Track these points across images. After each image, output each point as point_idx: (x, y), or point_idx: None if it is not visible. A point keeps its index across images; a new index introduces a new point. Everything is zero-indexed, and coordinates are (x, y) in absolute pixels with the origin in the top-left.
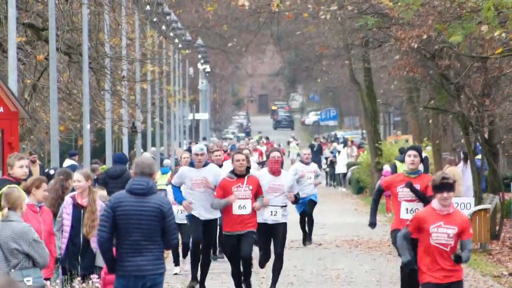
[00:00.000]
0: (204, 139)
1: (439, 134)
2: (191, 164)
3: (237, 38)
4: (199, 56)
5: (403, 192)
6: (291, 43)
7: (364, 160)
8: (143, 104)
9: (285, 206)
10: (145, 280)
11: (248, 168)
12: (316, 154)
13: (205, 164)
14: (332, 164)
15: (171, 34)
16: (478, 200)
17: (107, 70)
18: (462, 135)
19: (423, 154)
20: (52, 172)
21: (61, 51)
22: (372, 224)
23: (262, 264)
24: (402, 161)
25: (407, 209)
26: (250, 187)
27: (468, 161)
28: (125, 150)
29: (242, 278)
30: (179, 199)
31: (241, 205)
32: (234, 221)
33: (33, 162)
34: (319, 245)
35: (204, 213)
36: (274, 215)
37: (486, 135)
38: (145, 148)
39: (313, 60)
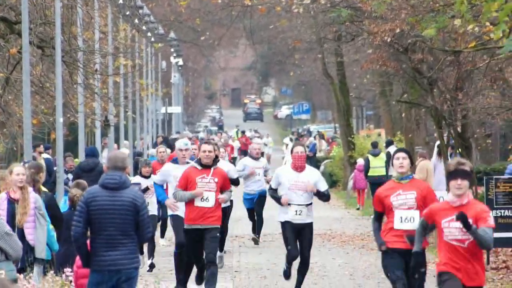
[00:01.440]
0: (178, 132)
1: (412, 128)
2: (175, 161)
3: (210, 32)
4: (172, 49)
5: (397, 200)
6: (264, 36)
7: (337, 154)
8: (116, 98)
9: (311, 204)
10: (120, 274)
11: (215, 160)
12: None
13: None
14: (308, 159)
15: (144, 27)
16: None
17: (80, 64)
18: (435, 129)
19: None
20: (25, 166)
21: (34, 45)
22: (382, 245)
23: (287, 273)
24: (375, 155)
25: (401, 217)
26: (216, 179)
27: (441, 154)
28: (98, 144)
29: (198, 277)
30: (162, 197)
31: (204, 197)
32: (196, 213)
33: (40, 153)
34: None
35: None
36: (299, 214)
37: (459, 129)
38: (117, 142)
39: (285, 54)
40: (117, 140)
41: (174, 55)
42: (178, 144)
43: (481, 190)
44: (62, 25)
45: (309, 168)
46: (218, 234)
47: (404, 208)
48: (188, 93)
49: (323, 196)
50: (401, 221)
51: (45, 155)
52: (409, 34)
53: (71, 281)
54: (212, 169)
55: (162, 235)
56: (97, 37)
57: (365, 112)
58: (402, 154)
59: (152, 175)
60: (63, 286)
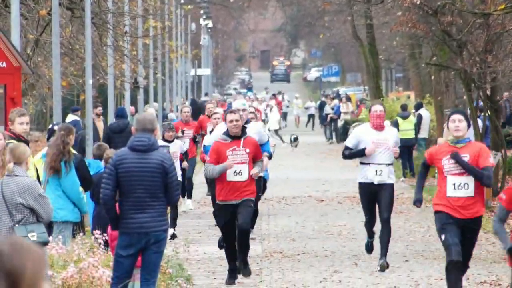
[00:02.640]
0: (206, 94)
1: (441, 90)
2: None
3: None
4: (201, 11)
5: (449, 165)
6: None
7: (366, 117)
8: (145, 60)
9: (391, 164)
10: (149, 237)
11: (244, 129)
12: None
13: (246, 123)
14: (332, 121)
15: None
16: None
17: (110, 26)
18: (465, 91)
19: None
20: (55, 127)
21: (64, 6)
22: (418, 201)
23: (370, 231)
24: (404, 117)
25: (454, 184)
26: (247, 150)
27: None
28: (127, 106)
29: (237, 253)
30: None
31: (237, 170)
32: (229, 189)
33: (98, 115)
34: (321, 201)
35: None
36: (380, 174)
37: (488, 92)
38: (147, 104)
39: (315, 16)
40: (146, 102)
41: (204, 17)
42: (235, 105)
43: (510, 153)
44: None
45: (388, 127)
46: (252, 205)
47: (456, 173)
48: (218, 55)
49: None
50: (454, 188)
51: (73, 117)
52: None
53: (100, 243)
54: (242, 139)
55: (190, 195)
56: None
57: (395, 74)
58: (458, 116)
59: (175, 140)
60: (92, 248)
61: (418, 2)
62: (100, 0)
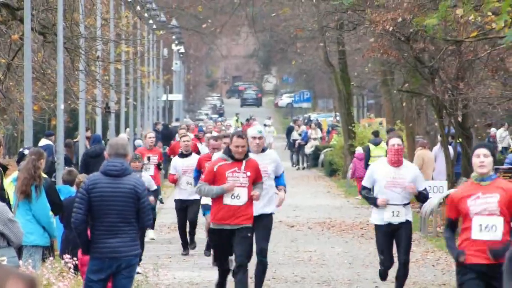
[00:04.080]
0: (177, 119)
1: (413, 117)
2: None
3: (212, 19)
4: (174, 37)
5: (476, 205)
6: (266, 24)
7: (337, 143)
8: (117, 85)
9: (409, 203)
10: (120, 261)
11: (247, 152)
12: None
13: (263, 149)
14: (299, 147)
15: (146, 14)
16: (451, 184)
17: (82, 50)
18: (436, 118)
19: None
20: (26, 152)
21: (36, 31)
22: (460, 254)
23: (383, 275)
24: (376, 144)
25: (480, 225)
26: (248, 174)
27: (441, 144)
28: (99, 131)
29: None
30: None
31: (235, 194)
32: (225, 212)
33: (88, 138)
34: (291, 227)
35: (259, 207)
36: (397, 215)
37: (460, 119)
38: (118, 129)
39: (287, 42)
40: (117, 127)
41: (176, 42)
42: (251, 132)
43: None
44: (64, 11)
45: (406, 163)
46: (249, 234)
47: (484, 214)
48: (189, 81)
49: (423, 198)
50: (481, 230)
51: (46, 141)
52: (411, 23)
53: (70, 268)
54: (244, 161)
55: (152, 226)
56: (99, 24)
57: (366, 101)
58: (483, 151)
59: (143, 172)
60: (62, 273)
61: (390, 29)
62: (72, 25)
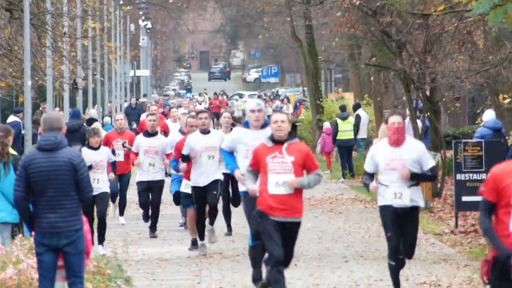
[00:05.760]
0: (145, 95)
1: (380, 91)
2: (246, 125)
3: None
4: (140, 12)
5: None
6: None
7: (305, 118)
8: (84, 61)
9: (416, 185)
10: (59, 236)
11: (292, 133)
12: None
13: (264, 125)
14: None
15: None
16: None
17: (48, 27)
18: (404, 92)
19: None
20: None
21: (2, 7)
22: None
23: (393, 256)
24: (343, 118)
25: None
26: (291, 158)
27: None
28: (66, 107)
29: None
30: (232, 166)
31: (279, 181)
32: (271, 202)
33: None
34: None
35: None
36: (399, 197)
37: (427, 92)
38: (86, 105)
39: (254, 17)
40: (85, 104)
41: (143, 18)
42: (250, 105)
43: (450, 153)
44: None
45: (410, 141)
46: (297, 235)
47: None
48: (157, 56)
49: (426, 178)
50: None
51: (15, 118)
52: None
53: None
54: (285, 145)
55: (122, 212)
56: (66, 0)
57: (334, 75)
58: None
59: (101, 147)
60: (31, 250)
61: (357, 3)
62: (38, 1)
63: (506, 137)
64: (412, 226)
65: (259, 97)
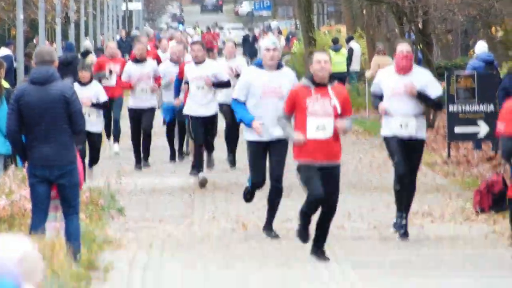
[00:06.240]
0: (137, 28)
1: (373, 24)
2: (259, 64)
3: None
4: None
5: None
6: None
7: (298, 50)
8: None
9: (422, 115)
10: (53, 169)
11: (332, 76)
12: (252, 45)
13: (279, 66)
14: None
15: None
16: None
17: None
18: (396, 25)
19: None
20: None
21: None
22: None
23: (400, 180)
24: (336, 50)
25: None
26: (333, 102)
27: None
28: (58, 41)
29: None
30: (248, 118)
31: (320, 125)
32: (309, 147)
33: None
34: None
35: (272, 129)
36: (405, 127)
37: (420, 25)
38: (78, 38)
39: None
40: (77, 37)
41: None
42: (265, 43)
43: (442, 85)
44: None
45: (417, 70)
46: (338, 177)
47: None
48: None
49: (432, 104)
50: None
51: (6, 50)
52: None
53: None
54: (329, 86)
55: (117, 139)
56: None
57: (326, 8)
58: None
59: (92, 81)
60: (24, 181)
61: None
62: None
63: (498, 69)
64: (416, 155)
65: (243, 30)
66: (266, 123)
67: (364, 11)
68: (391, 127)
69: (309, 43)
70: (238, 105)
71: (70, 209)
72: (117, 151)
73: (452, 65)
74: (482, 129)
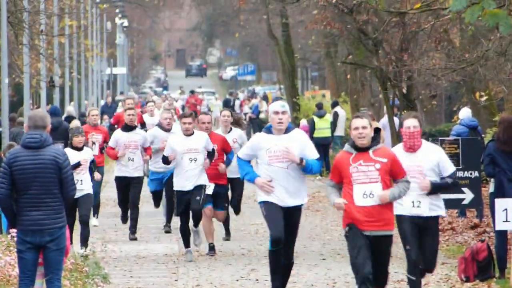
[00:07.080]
0: (122, 93)
1: (357, 89)
2: (268, 130)
3: None
4: (117, 10)
5: None
6: None
7: None
8: (61, 59)
9: (436, 192)
10: (43, 234)
11: (375, 138)
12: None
13: (287, 130)
14: (252, 121)
15: None
16: None
17: (25, 24)
18: (381, 90)
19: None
20: None
21: None
22: None
23: (413, 270)
24: (320, 116)
25: None
26: (377, 166)
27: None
28: (43, 105)
29: None
30: (252, 175)
31: (367, 192)
32: (358, 214)
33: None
34: None
35: (287, 197)
36: (417, 206)
37: (404, 90)
38: (63, 103)
39: (230, 15)
40: (62, 101)
41: (119, 16)
42: (273, 107)
43: None
44: None
45: (426, 146)
46: (390, 248)
47: None
48: (133, 54)
49: (448, 188)
50: None
51: None
52: None
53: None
54: (371, 151)
55: (95, 212)
56: None
57: (310, 73)
58: None
59: (85, 147)
60: (9, 247)
61: (333, 1)
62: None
63: (483, 135)
64: (432, 237)
65: (214, 94)
66: (278, 193)
67: (348, 76)
68: (404, 205)
69: (293, 108)
70: (242, 162)
71: (53, 275)
72: (95, 225)
73: (437, 131)
74: (467, 196)
